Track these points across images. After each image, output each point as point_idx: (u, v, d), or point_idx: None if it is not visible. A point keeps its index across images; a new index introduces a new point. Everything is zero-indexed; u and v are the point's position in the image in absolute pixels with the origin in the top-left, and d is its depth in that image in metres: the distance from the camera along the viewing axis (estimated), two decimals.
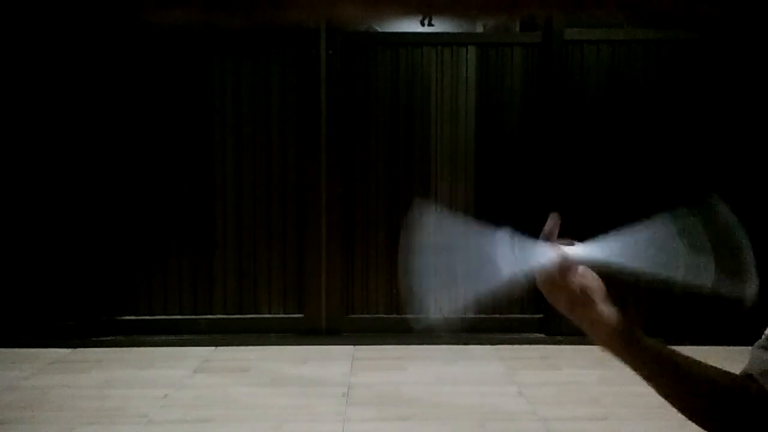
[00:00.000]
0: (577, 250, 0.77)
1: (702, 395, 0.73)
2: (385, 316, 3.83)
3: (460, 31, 4.90)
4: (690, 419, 0.75)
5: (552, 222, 0.78)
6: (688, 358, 0.75)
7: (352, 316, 3.83)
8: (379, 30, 4.63)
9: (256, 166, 3.80)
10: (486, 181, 3.83)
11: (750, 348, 0.77)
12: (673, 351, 0.75)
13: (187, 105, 3.77)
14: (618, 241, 0.75)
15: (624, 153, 3.78)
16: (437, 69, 3.83)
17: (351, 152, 3.82)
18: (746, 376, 0.75)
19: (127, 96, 3.75)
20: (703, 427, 0.74)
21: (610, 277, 0.76)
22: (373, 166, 3.83)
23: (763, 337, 0.77)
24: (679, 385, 0.73)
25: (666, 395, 0.75)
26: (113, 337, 3.72)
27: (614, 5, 3.32)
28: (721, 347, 3.42)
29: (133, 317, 3.77)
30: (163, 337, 3.70)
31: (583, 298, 0.76)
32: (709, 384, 0.73)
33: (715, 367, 0.75)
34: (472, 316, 3.82)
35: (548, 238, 0.77)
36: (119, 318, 3.76)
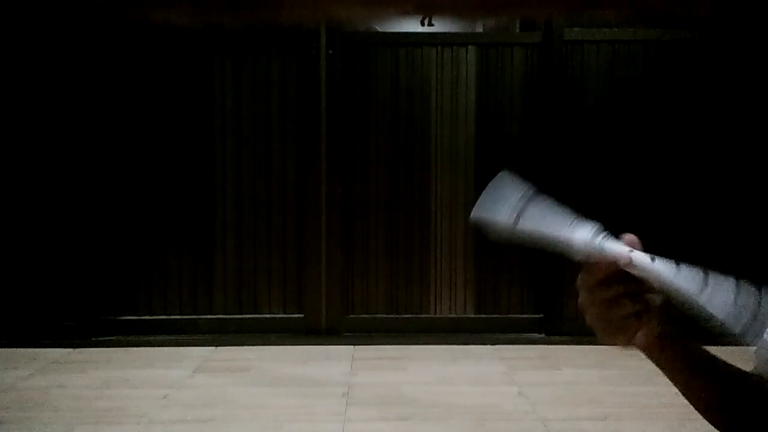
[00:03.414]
0: (648, 263, 0.62)
1: (727, 391, 0.71)
2: (385, 316, 3.84)
3: (460, 31, 4.89)
4: (708, 418, 0.73)
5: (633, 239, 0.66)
6: (711, 354, 0.73)
7: (352, 316, 3.83)
8: (379, 30, 4.63)
9: (256, 166, 3.80)
10: (486, 181, 3.81)
11: (751, 349, 0.77)
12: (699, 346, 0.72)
13: (187, 105, 3.77)
14: (702, 277, 0.61)
15: (624, 153, 3.78)
16: (437, 69, 3.83)
17: (351, 152, 3.82)
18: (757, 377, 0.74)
19: (127, 96, 3.75)
20: (719, 427, 0.72)
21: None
22: (373, 167, 3.83)
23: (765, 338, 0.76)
24: (704, 380, 0.70)
25: (689, 391, 0.73)
26: (113, 337, 3.72)
27: (614, 5, 3.32)
28: (722, 347, 3.42)
29: (133, 317, 3.77)
30: (163, 337, 3.69)
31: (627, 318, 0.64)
32: (735, 380, 0.71)
33: (733, 365, 0.74)
34: (473, 316, 3.83)
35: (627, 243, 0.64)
36: (119, 318, 3.76)
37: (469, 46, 3.83)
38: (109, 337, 3.71)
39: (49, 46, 3.66)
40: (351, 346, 3.64)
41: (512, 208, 0.62)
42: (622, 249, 0.63)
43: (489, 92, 3.83)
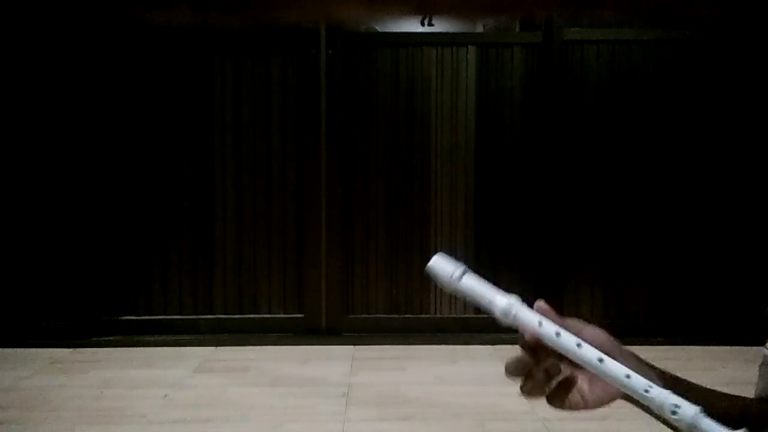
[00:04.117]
0: (552, 337, 0.65)
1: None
2: (385, 316, 3.84)
3: (460, 31, 4.89)
4: None
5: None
6: (698, 387, 0.71)
7: (352, 316, 3.83)
8: (379, 30, 4.63)
9: (256, 166, 3.80)
10: (486, 181, 3.83)
11: (751, 349, 0.76)
12: (684, 381, 0.70)
13: (187, 105, 3.77)
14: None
15: (624, 153, 3.78)
16: (437, 69, 3.83)
17: (351, 152, 3.82)
18: (760, 400, 0.73)
19: (127, 96, 3.75)
20: None
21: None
22: (373, 166, 3.83)
23: (766, 352, 0.75)
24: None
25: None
26: (113, 337, 3.72)
27: (614, 5, 3.32)
28: (723, 347, 3.42)
29: (133, 317, 3.77)
30: (163, 337, 3.69)
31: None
32: (722, 414, 0.70)
33: (725, 394, 0.72)
34: (473, 316, 3.83)
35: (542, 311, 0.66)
36: (119, 318, 3.76)
37: (469, 46, 3.83)
38: (109, 337, 3.71)
39: (50, 46, 3.66)
40: (351, 346, 3.64)
41: (456, 269, 0.65)
42: (532, 320, 0.66)
43: (489, 92, 3.83)
